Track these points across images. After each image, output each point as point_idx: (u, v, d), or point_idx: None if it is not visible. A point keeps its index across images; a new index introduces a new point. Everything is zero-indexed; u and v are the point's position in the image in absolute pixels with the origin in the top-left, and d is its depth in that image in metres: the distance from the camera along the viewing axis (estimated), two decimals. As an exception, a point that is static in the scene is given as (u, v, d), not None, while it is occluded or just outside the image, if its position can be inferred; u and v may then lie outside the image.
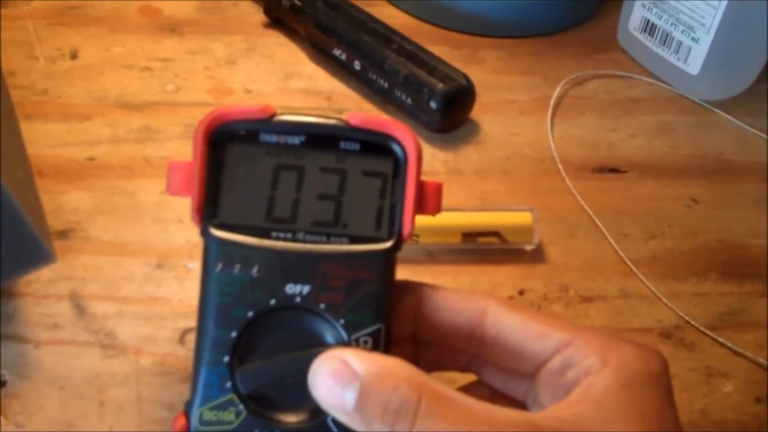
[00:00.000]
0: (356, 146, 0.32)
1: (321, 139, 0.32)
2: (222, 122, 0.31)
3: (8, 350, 0.38)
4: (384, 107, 0.53)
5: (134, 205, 0.45)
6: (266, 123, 0.31)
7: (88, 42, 0.55)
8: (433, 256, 0.44)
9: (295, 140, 0.32)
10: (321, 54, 0.56)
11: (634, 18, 0.58)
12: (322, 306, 0.30)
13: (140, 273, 0.42)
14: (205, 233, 0.31)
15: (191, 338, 0.39)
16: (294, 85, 0.54)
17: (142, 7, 0.59)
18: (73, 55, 0.54)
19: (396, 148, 0.32)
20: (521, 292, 0.43)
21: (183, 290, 0.41)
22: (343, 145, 0.32)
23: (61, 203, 0.45)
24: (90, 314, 0.40)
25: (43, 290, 0.40)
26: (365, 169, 0.32)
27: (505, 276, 0.44)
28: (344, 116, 0.32)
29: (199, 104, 0.52)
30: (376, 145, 0.32)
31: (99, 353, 0.38)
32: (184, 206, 0.45)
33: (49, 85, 0.52)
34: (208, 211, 0.31)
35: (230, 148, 0.31)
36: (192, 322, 0.39)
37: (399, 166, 0.32)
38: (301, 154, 0.32)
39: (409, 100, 0.51)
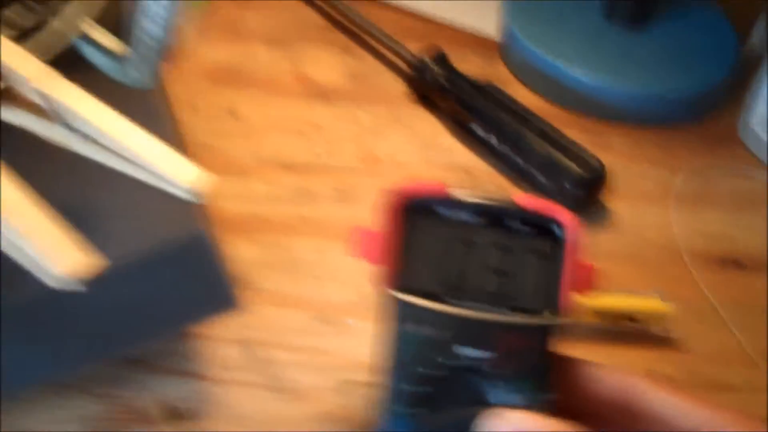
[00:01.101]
0: (524, 226, 0.35)
1: (493, 217, 0.35)
2: (408, 197, 0.35)
3: (189, 386, 0.42)
4: (519, 184, 0.57)
5: (293, 261, 0.49)
6: (446, 200, 0.35)
7: (246, 102, 0.60)
8: (568, 332, 0.47)
9: (470, 217, 0.35)
10: (460, 129, 0.60)
11: (758, 113, 0.61)
12: (492, 370, 0.34)
13: (303, 325, 0.46)
14: (390, 295, 0.34)
15: (352, 389, 0.43)
16: (435, 157, 0.58)
17: (294, 74, 0.63)
18: (233, 114, 0.59)
19: (559, 230, 0.35)
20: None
21: (344, 344, 0.45)
22: (512, 224, 0.35)
23: (229, 253, 0.49)
24: (260, 359, 0.44)
25: (219, 334, 0.44)
26: (531, 247, 0.35)
27: (636, 358, 0.47)
28: (513, 197, 0.35)
29: (349, 169, 0.56)
30: (541, 226, 0.35)
31: (269, 396, 0.42)
32: (338, 265, 0.50)
33: (211, 140, 0.57)
34: (394, 276, 0.35)
35: (414, 220, 0.35)
36: (352, 375, 0.43)
37: (561, 247, 0.35)
38: (475, 229, 0.35)
39: (544, 180, 0.55)
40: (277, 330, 0.45)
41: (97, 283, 0.32)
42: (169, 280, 0.39)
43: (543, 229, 0.35)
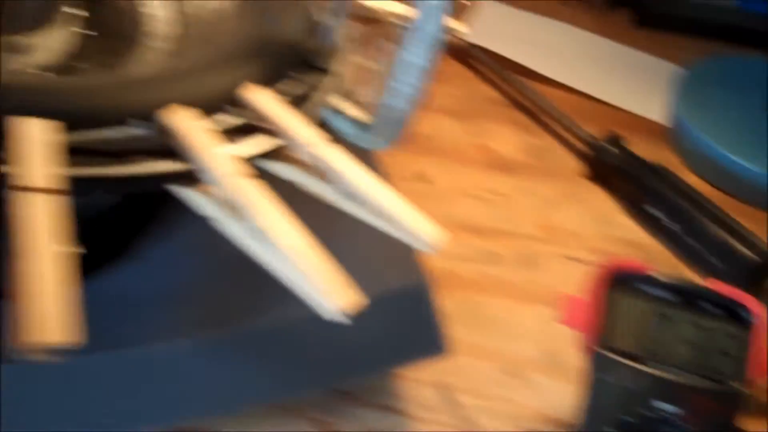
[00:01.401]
0: (716, 308, 0.40)
1: (688, 297, 0.40)
2: (615, 272, 0.40)
3: (390, 420, 0.47)
4: (691, 264, 0.60)
5: (485, 317, 0.54)
6: (648, 278, 0.41)
7: (435, 168, 0.66)
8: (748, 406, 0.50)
9: (668, 295, 0.40)
10: (634, 207, 0.64)
11: None
12: (683, 424, 0.38)
13: (491, 375, 0.50)
14: (596, 353, 0.40)
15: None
16: (609, 232, 0.62)
17: (477, 145, 0.69)
18: (423, 178, 0.65)
19: (747, 315, 0.40)
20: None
21: (529, 396, 0.49)
22: (706, 305, 0.40)
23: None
24: (455, 403, 0.48)
25: (418, 376, 0.49)
26: (721, 326, 0.40)
27: (807, 436, 0.49)
28: (706, 282, 0.40)
29: (529, 236, 0.61)
30: (731, 309, 0.40)
31: (463, 438, 0.47)
32: (524, 324, 0.54)
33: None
34: (602, 337, 0.40)
35: (620, 293, 0.40)
36: (537, 425, 0.48)
37: (748, 329, 0.39)
38: (672, 305, 0.40)
39: (716, 262, 0.58)
40: (467, 377, 0.50)
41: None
42: (390, 321, 0.44)
43: (732, 312, 0.40)
